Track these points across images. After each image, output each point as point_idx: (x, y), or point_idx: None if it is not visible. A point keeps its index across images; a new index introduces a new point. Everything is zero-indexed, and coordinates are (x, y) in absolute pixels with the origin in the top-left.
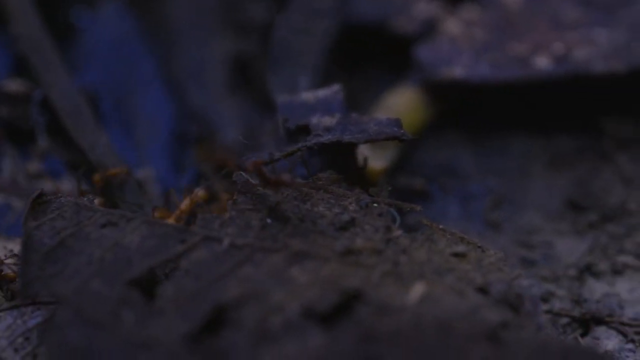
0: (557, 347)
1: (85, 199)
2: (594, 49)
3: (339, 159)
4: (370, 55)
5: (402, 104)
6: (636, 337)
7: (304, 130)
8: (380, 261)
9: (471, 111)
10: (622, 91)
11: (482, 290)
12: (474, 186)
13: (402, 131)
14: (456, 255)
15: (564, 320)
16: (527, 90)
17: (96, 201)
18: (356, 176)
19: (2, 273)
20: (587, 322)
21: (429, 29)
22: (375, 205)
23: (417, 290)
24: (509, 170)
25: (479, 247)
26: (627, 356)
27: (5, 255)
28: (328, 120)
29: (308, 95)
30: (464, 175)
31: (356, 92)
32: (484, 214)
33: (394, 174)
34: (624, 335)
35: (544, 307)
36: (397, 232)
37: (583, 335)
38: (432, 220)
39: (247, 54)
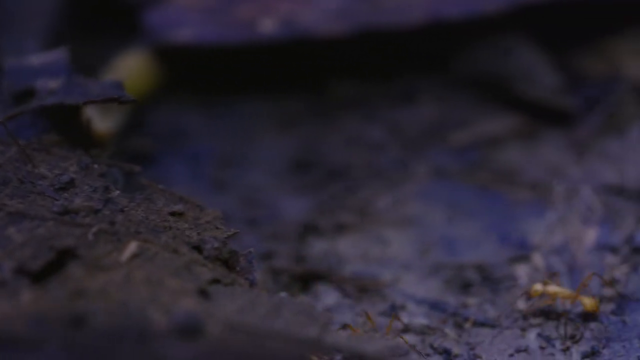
0: (268, 300)
1: None
2: (319, 11)
3: (63, 121)
4: (102, 19)
5: (131, 67)
6: (354, 293)
7: (29, 93)
8: (96, 220)
9: (201, 73)
10: (346, 53)
11: (197, 248)
12: (203, 147)
13: (123, 93)
14: (174, 214)
15: (285, 277)
16: (255, 53)
17: None
18: (81, 138)
19: None
20: (308, 279)
21: None
22: (96, 166)
23: (131, 248)
24: (238, 131)
25: (198, 206)
26: (345, 311)
27: None
28: (53, 83)
29: (34, 59)
30: (193, 137)
31: (88, 56)
32: (211, 175)
33: (124, 136)
34: (343, 290)
35: (266, 264)
36: (116, 192)
37: (304, 291)
38: (159, 181)
39: None
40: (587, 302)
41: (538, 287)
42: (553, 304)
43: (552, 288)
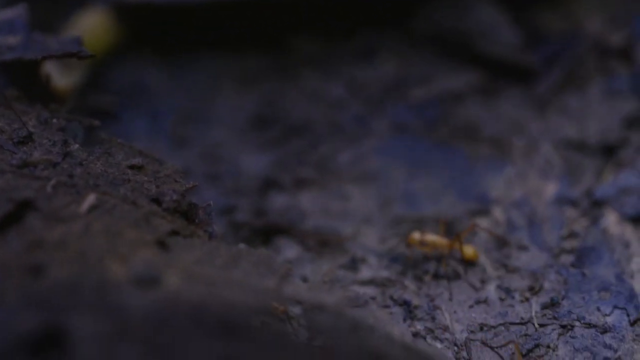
0: (226, 251)
1: None
2: None
3: (22, 76)
4: None
5: (90, 24)
6: (315, 247)
7: None
8: (55, 173)
9: (161, 30)
10: (306, 10)
11: (156, 200)
12: (163, 103)
13: (82, 49)
14: (132, 167)
15: (246, 231)
16: (215, 10)
17: None
18: (41, 93)
19: None
20: (269, 233)
21: None
22: (55, 120)
23: (90, 200)
24: (198, 87)
25: (157, 160)
26: (306, 265)
27: None
28: (12, 39)
29: None
30: (154, 93)
31: (48, 13)
32: (172, 131)
33: (85, 92)
34: (304, 244)
35: (227, 218)
36: (75, 146)
37: (265, 245)
38: (120, 136)
39: None
40: (465, 252)
41: (416, 235)
42: (430, 252)
43: (430, 237)
